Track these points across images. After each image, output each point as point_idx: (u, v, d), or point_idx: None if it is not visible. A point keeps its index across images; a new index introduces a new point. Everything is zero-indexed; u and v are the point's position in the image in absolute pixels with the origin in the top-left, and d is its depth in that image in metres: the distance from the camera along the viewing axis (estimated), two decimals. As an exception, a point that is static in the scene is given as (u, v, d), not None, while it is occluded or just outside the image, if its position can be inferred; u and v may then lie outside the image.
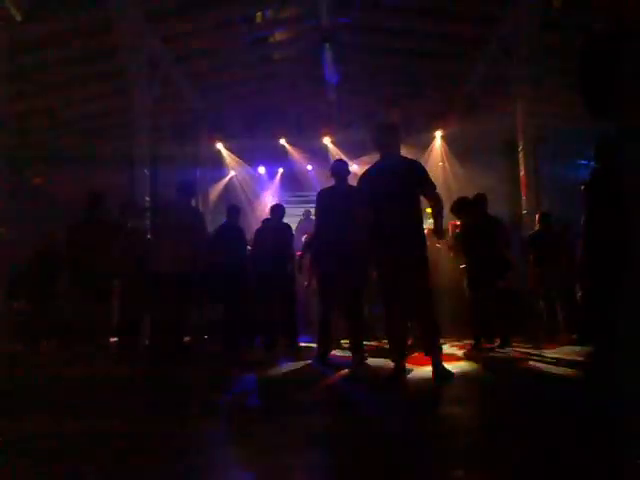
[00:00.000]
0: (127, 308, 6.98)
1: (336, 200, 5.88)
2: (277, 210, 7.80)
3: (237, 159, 13.68)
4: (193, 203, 6.81)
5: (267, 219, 7.94)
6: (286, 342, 7.48)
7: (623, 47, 1.24)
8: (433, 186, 4.84)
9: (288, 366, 5.90)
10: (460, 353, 6.39)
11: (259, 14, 10.36)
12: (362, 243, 5.58)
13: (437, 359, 4.52)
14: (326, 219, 5.95)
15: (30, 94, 10.25)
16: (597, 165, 5.10)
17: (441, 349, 4.69)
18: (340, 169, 6.12)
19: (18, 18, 7.38)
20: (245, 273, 7.64)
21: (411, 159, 5.13)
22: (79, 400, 4.14)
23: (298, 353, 6.96)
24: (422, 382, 4.45)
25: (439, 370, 4.46)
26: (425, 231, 5.02)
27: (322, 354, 5.93)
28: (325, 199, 6.06)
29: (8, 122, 8.48)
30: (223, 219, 8.07)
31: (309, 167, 13.94)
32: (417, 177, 4.83)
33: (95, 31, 8.95)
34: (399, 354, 4.64)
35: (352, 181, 6.04)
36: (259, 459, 2.60)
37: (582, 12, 6.99)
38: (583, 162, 14.51)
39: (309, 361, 6.11)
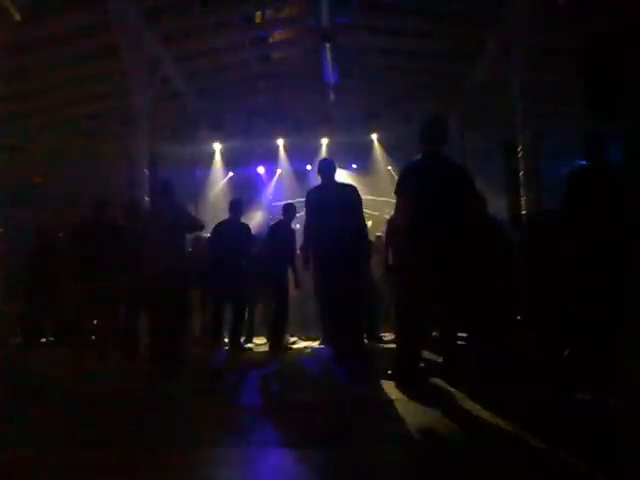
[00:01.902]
0: (127, 310, 6.99)
1: (326, 199, 5.84)
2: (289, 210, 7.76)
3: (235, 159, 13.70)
4: (177, 201, 6.70)
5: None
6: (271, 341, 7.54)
7: (627, 46, 1.24)
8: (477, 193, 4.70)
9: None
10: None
11: (258, 14, 10.35)
12: (359, 242, 5.62)
13: None
14: (318, 219, 5.89)
15: (30, 94, 10.24)
16: (587, 162, 5.17)
17: None
18: (327, 168, 6.09)
19: (17, 18, 7.37)
20: (245, 270, 7.63)
21: (457, 162, 4.92)
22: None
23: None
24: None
25: None
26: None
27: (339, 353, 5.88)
28: (314, 199, 6.00)
29: (8, 122, 8.49)
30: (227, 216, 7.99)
31: (308, 167, 13.94)
32: (467, 181, 4.61)
33: (95, 31, 8.94)
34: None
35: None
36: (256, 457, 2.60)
37: (584, 10, 6.98)
38: (583, 162, 14.56)
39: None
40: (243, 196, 13.43)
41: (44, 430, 3.28)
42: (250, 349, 8.03)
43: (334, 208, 5.67)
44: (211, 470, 2.49)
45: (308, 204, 6.03)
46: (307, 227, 6.06)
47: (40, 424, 3.45)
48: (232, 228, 7.63)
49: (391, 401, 3.71)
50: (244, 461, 2.57)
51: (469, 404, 3.49)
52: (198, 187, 12.90)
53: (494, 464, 2.40)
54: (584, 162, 5.22)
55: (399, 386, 4.16)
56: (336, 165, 6.24)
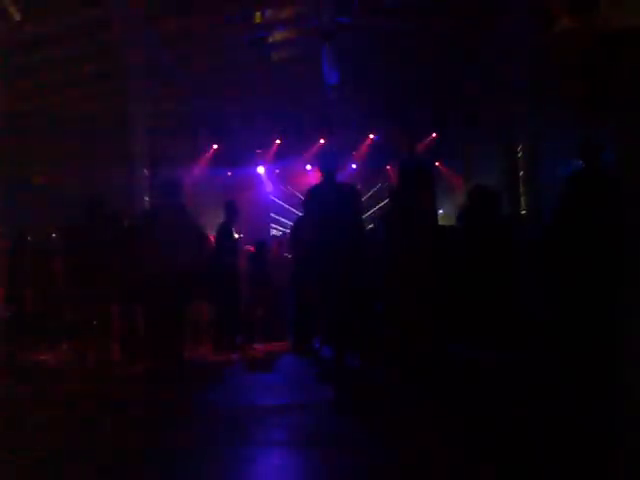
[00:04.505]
0: (128, 310, 6.99)
1: (325, 198, 5.78)
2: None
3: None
4: (182, 202, 6.68)
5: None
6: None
7: (621, 48, 1.24)
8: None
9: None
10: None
11: (258, 14, 10.32)
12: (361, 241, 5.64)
13: None
14: (316, 217, 5.84)
15: (29, 94, 10.23)
16: (583, 164, 5.24)
17: None
18: (328, 165, 5.99)
19: (17, 17, 7.37)
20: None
21: (419, 160, 5.25)
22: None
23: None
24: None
25: None
26: None
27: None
28: (313, 196, 5.94)
29: (8, 121, 8.47)
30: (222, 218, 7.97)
31: (308, 167, 13.96)
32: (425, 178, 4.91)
33: (94, 30, 8.93)
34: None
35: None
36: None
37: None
38: (580, 164, 14.56)
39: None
40: (241, 196, 13.54)
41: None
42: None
43: (333, 207, 5.66)
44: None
45: (307, 201, 6.01)
46: (300, 222, 6.08)
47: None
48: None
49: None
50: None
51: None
52: (196, 187, 12.84)
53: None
54: (581, 164, 5.28)
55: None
56: (338, 162, 6.19)
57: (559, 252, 5.08)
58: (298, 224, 7.30)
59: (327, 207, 5.70)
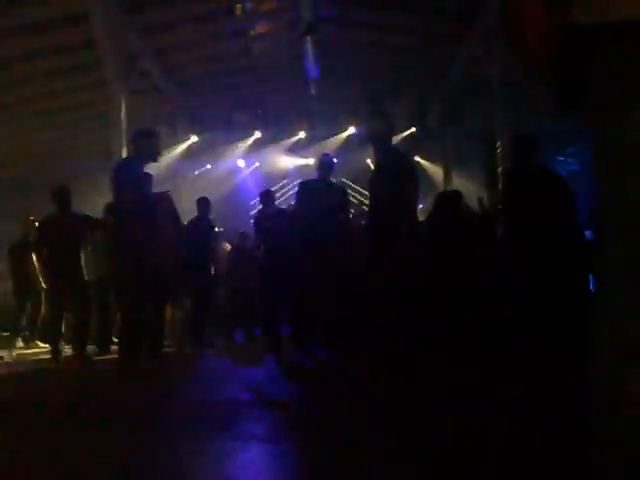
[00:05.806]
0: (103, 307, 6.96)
1: (320, 193, 5.94)
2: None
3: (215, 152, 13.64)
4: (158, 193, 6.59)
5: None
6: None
7: (597, 43, 1.26)
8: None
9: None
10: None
11: (239, 6, 10.27)
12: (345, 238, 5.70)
13: None
14: (308, 211, 5.93)
15: (7, 86, 10.08)
16: (515, 161, 5.41)
17: None
18: (328, 163, 6.22)
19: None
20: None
21: (400, 153, 5.35)
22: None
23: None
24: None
25: None
26: None
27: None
28: (308, 191, 6.07)
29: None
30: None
31: (287, 160, 13.98)
32: (408, 169, 4.97)
33: (73, 22, 8.81)
34: None
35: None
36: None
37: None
38: (560, 158, 14.76)
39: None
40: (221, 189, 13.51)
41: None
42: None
43: (324, 203, 5.81)
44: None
45: (300, 194, 6.14)
46: (297, 219, 6.21)
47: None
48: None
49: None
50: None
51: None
52: (175, 179, 12.70)
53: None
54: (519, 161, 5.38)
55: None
56: (334, 163, 6.38)
57: (513, 248, 5.17)
58: (259, 217, 7.40)
59: (319, 203, 5.81)
